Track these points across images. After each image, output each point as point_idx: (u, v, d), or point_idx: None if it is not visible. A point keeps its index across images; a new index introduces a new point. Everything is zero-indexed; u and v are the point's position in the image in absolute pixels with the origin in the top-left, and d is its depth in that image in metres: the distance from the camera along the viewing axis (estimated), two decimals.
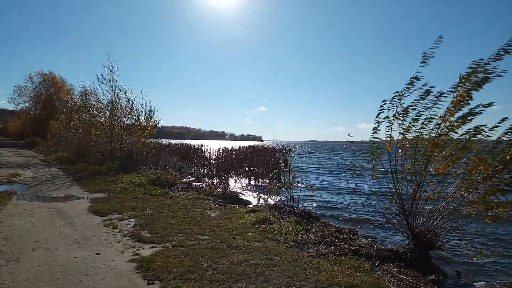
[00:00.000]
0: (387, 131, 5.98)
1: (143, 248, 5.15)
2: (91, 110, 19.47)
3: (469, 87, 5.09)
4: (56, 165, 17.34)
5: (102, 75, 18.01)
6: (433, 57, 5.58)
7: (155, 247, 5.23)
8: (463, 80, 5.15)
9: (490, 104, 5.07)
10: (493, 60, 4.96)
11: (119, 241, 5.48)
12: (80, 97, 22.67)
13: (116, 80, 18.22)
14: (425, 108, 5.57)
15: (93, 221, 6.69)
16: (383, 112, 5.94)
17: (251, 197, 11.78)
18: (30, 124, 46.42)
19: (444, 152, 5.43)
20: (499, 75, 4.96)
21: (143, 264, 4.44)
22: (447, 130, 5.38)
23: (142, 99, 19.91)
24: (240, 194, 11.52)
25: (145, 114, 18.59)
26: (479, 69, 5.02)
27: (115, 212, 7.41)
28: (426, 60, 5.60)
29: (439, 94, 5.43)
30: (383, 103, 5.93)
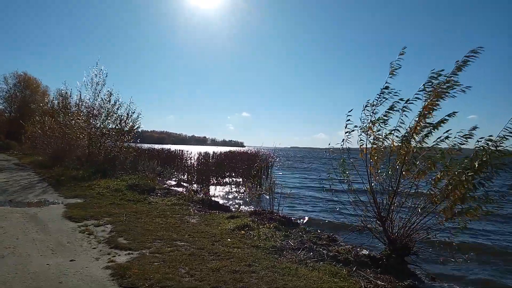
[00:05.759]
0: (361, 141, 6.16)
1: (119, 255, 5.04)
2: (68, 112, 18.79)
3: (434, 97, 5.33)
4: (31, 169, 16.77)
5: (87, 78, 17.32)
6: (400, 67, 5.79)
7: (132, 253, 5.13)
8: (427, 90, 5.40)
9: (454, 113, 5.33)
10: (455, 73, 5.24)
11: (94, 248, 5.35)
12: (57, 99, 21.85)
13: (103, 84, 17.47)
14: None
15: (68, 227, 6.51)
16: (351, 123, 6.21)
17: (231, 203, 11.76)
18: (4, 127, 44.85)
19: (418, 162, 5.63)
20: (463, 91, 5.23)
21: (118, 271, 4.34)
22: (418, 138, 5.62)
23: (130, 104, 17.95)
24: (220, 200, 11.48)
25: (127, 118, 17.78)
26: (438, 82, 5.28)
27: (91, 218, 7.22)
28: (394, 72, 5.82)
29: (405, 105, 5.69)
30: (349, 112, 6.19)
